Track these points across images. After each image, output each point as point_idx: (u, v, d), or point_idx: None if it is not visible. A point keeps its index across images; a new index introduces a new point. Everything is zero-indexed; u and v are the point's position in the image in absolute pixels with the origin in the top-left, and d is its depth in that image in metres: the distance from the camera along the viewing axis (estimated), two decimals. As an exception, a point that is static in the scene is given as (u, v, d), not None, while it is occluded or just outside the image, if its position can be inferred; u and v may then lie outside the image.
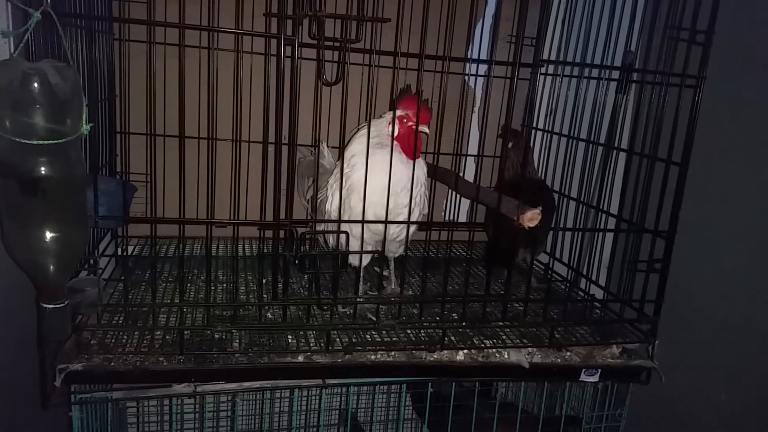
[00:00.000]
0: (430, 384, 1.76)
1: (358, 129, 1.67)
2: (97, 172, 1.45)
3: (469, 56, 2.07)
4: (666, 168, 1.58)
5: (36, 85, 0.99)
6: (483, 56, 2.18)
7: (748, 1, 1.74)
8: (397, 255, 1.80)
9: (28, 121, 1.00)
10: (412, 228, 1.64)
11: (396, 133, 1.58)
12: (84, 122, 1.08)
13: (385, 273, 1.82)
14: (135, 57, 1.84)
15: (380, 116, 1.65)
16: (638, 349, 1.68)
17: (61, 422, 1.51)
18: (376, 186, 1.47)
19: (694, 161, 1.57)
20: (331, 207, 1.67)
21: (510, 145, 1.93)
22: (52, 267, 1.09)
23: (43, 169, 1.03)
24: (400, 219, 1.58)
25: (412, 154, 1.59)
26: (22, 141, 1.00)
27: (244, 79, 1.61)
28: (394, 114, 1.58)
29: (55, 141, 1.02)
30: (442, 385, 1.90)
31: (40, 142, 1.01)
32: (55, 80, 1.01)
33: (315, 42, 1.41)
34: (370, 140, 1.45)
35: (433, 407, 1.81)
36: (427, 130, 1.60)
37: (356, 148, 1.60)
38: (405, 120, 1.60)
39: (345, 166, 1.59)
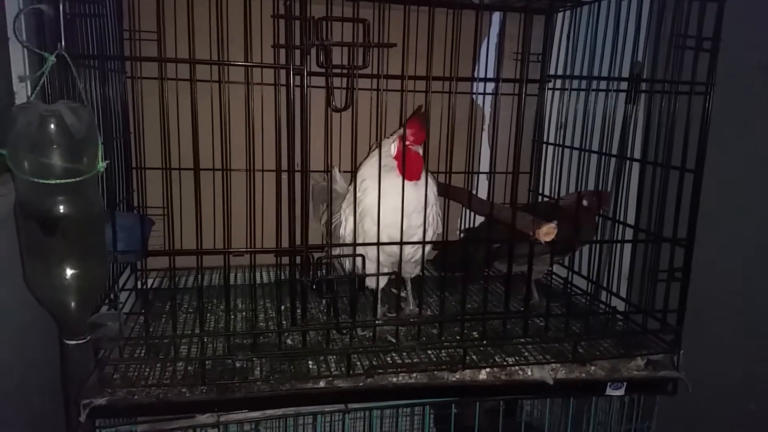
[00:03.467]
0: (453, 405, 1.74)
1: (371, 151, 1.68)
2: (114, 208, 1.47)
3: (475, 75, 2.09)
4: (680, 175, 1.57)
5: (53, 126, 1.01)
6: (489, 75, 2.19)
7: (753, 6, 1.74)
8: (413, 275, 1.80)
9: (45, 161, 1.02)
10: (428, 248, 1.64)
11: (395, 153, 1.58)
12: (100, 160, 1.10)
13: (403, 294, 1.81)
14: (148, 94, 1.88)
15: (391, 134, 1.66)
16: (663, 360, 1.66)
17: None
18: (388, 209, 1.48)
19: (709, 167, 1.55)
20: (345, 231, 1.68)
21: (585, 203, 1.84)
22: (73, 303, 1.10)
23: (61, 207, 1.05)
24: (414, 240, 1.58)
25: (409, 174, 1.55)
26: (41, 181, 1.02)
27: (256, 110, 1.64)
28: (405, 133, 1.59)
29: (73, 179, 1.05)
30: (465, 417, 1.88)
31: (58, 181, 1.03)
32: (70, 120, 1.03)
33: (323, 70, 1.43)
34: (382, 162, 1.46)
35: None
36: (419, 149, 1.58)
37: (367, 171, 1.61)
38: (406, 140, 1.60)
39: (357, 190, 1.60)
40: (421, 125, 1.54)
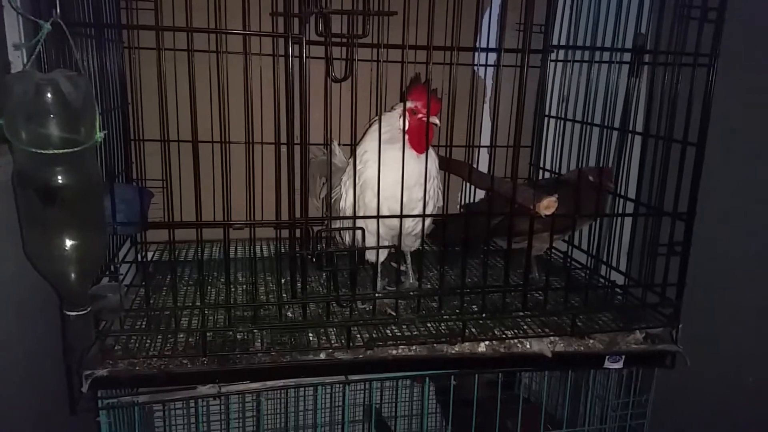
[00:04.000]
0: (452, 377, 1.75)
1: (371, 123, 1.67)
2: (113, 179, 1.46)
3: (477, 46, 2.06)
4: (683, 149, 1.55)
5: (49, 95, 1.00)
6: (492, 46, 2.16)
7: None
8: (413, 249, 1.80)
9: (42, 131, 1.01)
10: (428, 221, 1.63)
11: (407, 126, 1.57)
12: (98, 130, 1.09)
13: (403, 268, 1.81)
14: (145, 65, 1.86)
15: (392, 108, 1.65)
16: (662, 334, 1.66)
17: (91, 427, 1.53)
18: (389, 181, 1.47)
19: (711, 141, 1.54)
20: (346, 204, 1.67)
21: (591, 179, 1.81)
22: (73, 274, 1.10)
23: (59, 178, 1.04)
24: (415, 213, 1.57)
25: (423, 147, 1.58)
26: (38, 151, 1.01)
27: (254, 81, 1.62)
28: (405, 107, 1.57)
29: (70, 150, 1.03)
30: (464, 389, 1.90)
31: (56, 151, 1.02)
32: (67, 89, 1.02)
33: (322, 39, 1.41)
34: (382, 135, 1.45)
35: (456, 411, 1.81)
36: (437, 122, 1.59)
37: (368, 144, 1.59)
38: (414, 112, 1.59)
39: (358, 162, 1.59)
40: (432, 96, 1.52)
